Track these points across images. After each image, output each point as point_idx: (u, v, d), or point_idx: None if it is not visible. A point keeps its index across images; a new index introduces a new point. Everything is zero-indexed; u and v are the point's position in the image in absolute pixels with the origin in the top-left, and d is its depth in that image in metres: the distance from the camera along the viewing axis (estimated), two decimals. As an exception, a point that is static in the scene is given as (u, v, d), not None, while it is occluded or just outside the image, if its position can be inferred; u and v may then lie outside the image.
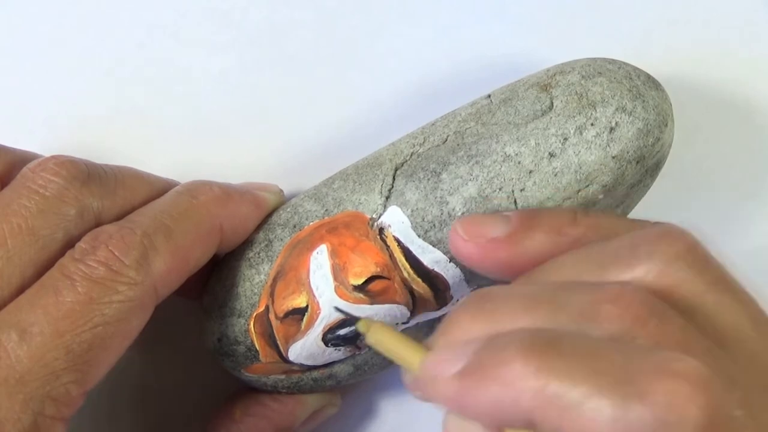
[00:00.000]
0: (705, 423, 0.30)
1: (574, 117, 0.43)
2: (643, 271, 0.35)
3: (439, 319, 0.45)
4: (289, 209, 0.46)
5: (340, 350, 0.45)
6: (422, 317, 0.45)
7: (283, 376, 0.46)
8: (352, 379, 0.47)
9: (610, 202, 0.45)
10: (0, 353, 0.38)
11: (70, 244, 0.40)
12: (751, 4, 0.52)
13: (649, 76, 0.45)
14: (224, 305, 0.46)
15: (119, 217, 0.42)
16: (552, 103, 0.44)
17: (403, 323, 0.45)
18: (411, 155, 0.45)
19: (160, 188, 0.45)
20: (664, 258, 0.35)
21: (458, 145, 0.44)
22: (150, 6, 0.51)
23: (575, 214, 0.39)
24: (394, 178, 0.44)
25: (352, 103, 0.50)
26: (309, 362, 0.45)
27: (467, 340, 0.35)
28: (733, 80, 0.52)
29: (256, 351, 0.45)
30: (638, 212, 0.48)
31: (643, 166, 0.44)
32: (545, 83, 0.45)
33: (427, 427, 0.52)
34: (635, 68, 0.45)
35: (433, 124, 0.46)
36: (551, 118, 0.44)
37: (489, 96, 0.46)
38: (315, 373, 0.46)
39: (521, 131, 0.44)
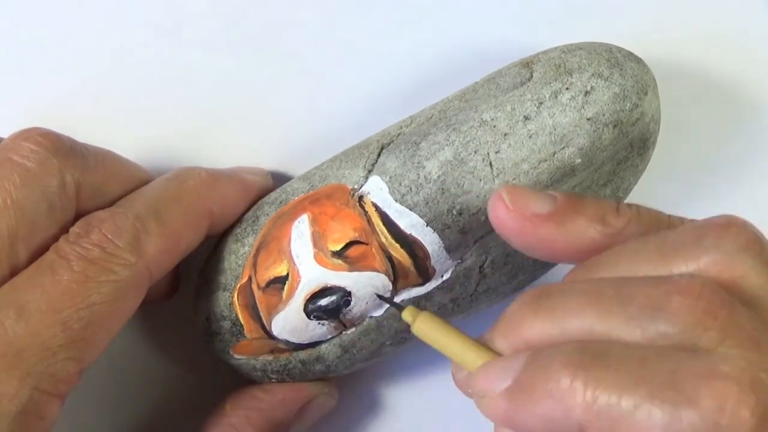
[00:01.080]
0: (757, 422, 0.30)
1: (550, 83, 0.44)
2: (708, 263, 0.34)
3: (427, 298, 0.45)
4: (279, 190, 0.47)
5: (323, 325, 0.45)
6: (407, 293, 0.44)
7: (270, 357, 0.46)
8: (342, 364, 0.46)
9: (595, 177, 0.44)
10: None
11: (52, 217, 0.41)
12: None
13: (631, 53, 0.45)
14: (212, 281, 0.47)
15: (97, 194, 0.43)
16: (531, 75, 0.45)
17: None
18: (398, 135, 0.46)
19: (136, 172, 0.46)
20: (730, 249, 0.34)
21: (440, 119, 0.45)
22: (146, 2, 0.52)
23: (619, 204, 0.39)
24: (378, 156, 0.45)
25: (344, 94, 0.51)
26: (294, 338, 0.45)
27: (514, 354, 0.35)
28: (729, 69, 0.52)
29: (241, 325, 0.46)
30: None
31: (624, 134, 0.43)
32: (528, 61, 0.46)
33: (428, 418, 0.52)
34: (618, 46, 0.45)
35: (422, 110, 0.47)
36: (529, 86, 0.44)
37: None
38: (302, 354, 0.46)
39: (499, 99, 0.44)
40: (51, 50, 0.52)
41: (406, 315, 0.39)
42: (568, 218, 0.38)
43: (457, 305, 0.46)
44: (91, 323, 0.40)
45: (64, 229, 0.42)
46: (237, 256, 0.46)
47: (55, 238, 0.41)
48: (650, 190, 0.49)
